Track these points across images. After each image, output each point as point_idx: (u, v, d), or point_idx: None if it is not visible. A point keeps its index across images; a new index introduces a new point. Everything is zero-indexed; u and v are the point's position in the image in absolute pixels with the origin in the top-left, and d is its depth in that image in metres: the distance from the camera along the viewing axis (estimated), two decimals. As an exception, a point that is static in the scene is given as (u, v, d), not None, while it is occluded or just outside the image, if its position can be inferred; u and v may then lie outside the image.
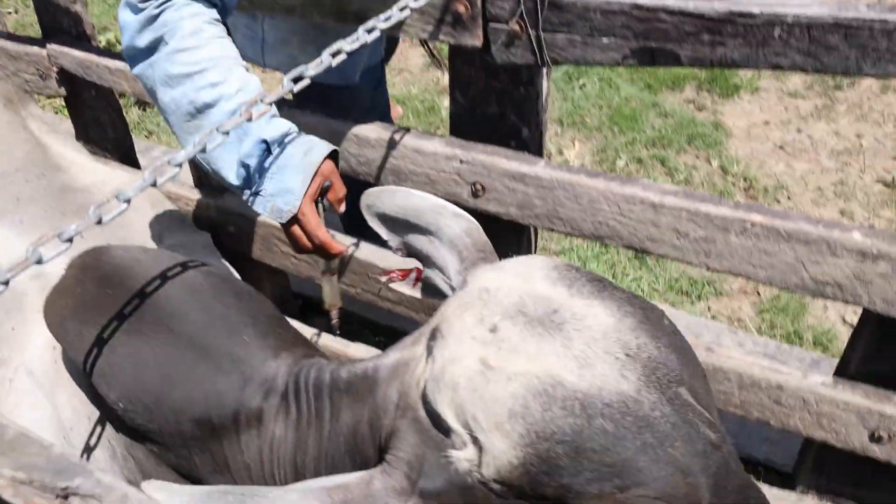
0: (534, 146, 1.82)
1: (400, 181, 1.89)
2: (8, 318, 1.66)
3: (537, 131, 1.82)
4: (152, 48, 1.44)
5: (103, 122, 2.70)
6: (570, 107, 4.57)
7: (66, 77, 2.53)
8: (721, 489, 1.03)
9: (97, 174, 2.07)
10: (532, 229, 1.95)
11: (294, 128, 1.53)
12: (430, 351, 1.12)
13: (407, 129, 1.86)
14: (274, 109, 1.51)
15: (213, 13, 1.48)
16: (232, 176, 1.49)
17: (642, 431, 0.98)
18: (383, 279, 1.49)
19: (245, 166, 1.46)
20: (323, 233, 1.50)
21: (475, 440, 1.02)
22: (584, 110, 4.57)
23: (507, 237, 1.91)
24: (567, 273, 1.13)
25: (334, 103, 2.05)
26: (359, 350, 2.22)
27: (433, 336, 1.13)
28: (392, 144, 1.85)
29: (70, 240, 0.95)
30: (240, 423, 1.36)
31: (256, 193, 1.48)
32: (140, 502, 0.77)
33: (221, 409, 1.37)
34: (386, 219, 1.39)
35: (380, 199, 1.38)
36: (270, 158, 1.46)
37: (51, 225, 1.84)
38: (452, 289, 1.26)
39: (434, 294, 1.33)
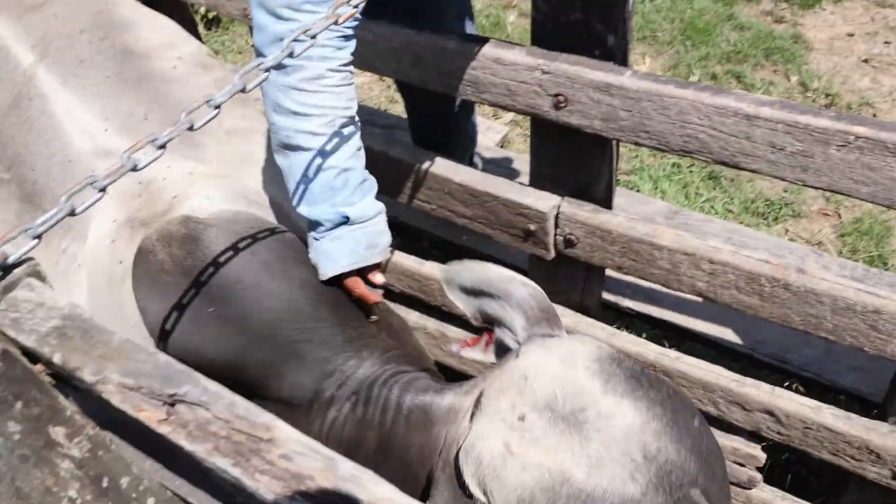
0: (620, 55, 1.73)
1: (479, 93, 1.82)
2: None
3: (623, 39, 1.73)
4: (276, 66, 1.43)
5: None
6: (640, 20, 4.39)
7: (140, -9, 2.50)
8: None
9: (163, 34, 2.03)
10: (615, 143, 1.87)
11: (382, 210, 1.63)
12: (471, 418, 1.26)
13: (486, 39, 1.78)
14: (374, 184, 1.61)
15: (343, 55, 1.46)
16: (298, 203, 1.56)
17: None
18: (455, 349, 1.64)
19: (318, 219, 1.55)
20: (369, 300, 1.64)
21: None
22: (654, 24, 4.39)
23: (591, 151, 1.83)
24: (608, 367, 1.21)
25: (415, 7, 1.97)
26: (432, 269, 2.19)
27: (476, 404, 1.26)
28: (471, 55, 1.77)
29: (163, 146, 0.93)
30: (312, 408, 1.54)
31: (313, 236, 1.59)
32: (247, 410, 0.75)
33: (300, 398, 1.54)
34: (463, 290, 1.52)
35: (458, 274, 1.52)
36: (343, 227, 1.56)
37: (111, 92, 1.83)
38: (519, 344, 1.39)
39: (504, 353, 1.43)
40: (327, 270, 1.59)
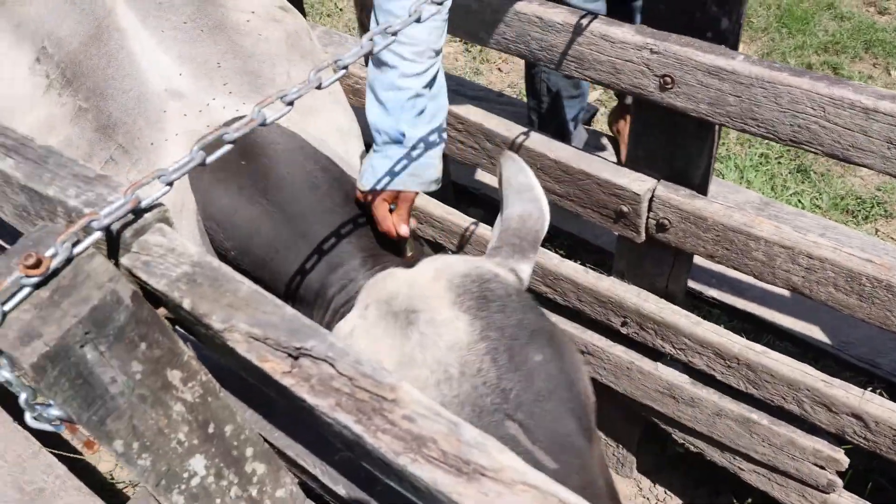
0: (732, 40, 1.68)
1: (582, 69, 1.80)
2: (150, 130, 1.72)
3: (737, 23, 1.68)
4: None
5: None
6: (736, 5, 4.27)
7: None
8: None
9: None
10: (717, 129, 1.82)
11: (437, 144, 1.66)
12: None
13: (595, 15, 1.75)
14: (440, 118, 1.66)
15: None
16: (371, 112, 1.63)
17: None
18: None
19: (380, 129, 1.63)
20: (387, 226, 1.62)
21: None
22: (750, 9, 4.26)
23: (693, 135, 1.79)
24: (470, 285, 1.20)
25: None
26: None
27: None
28: (578, 30, 1.74)
29: (291, 103, 0.93)
30: (314, 304, 1.59)
31: (373, 149, 1.66)
32: (374, 369, 0.75)
33: (305, 287, 1.61)
34: (501, 181, 1.55)
35: (504, 164, 1.55)
36: (396, 146, 1.62)
37: (187, 38, 1.86)
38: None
39: None
40: (367, 182, 1.63)
